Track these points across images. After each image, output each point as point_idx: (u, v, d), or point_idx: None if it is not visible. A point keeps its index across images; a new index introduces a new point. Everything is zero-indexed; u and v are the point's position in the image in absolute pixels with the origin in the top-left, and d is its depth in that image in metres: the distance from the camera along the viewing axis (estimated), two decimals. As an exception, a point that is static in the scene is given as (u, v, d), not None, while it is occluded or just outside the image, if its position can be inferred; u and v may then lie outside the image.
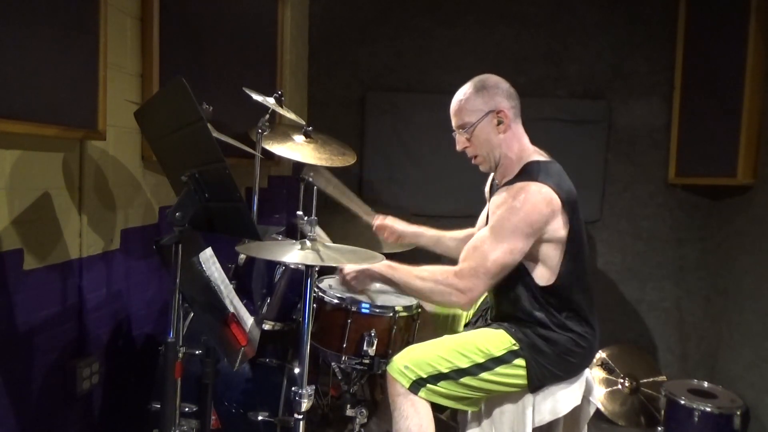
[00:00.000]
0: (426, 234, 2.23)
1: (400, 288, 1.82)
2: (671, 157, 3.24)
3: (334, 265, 1.65)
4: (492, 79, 1.85)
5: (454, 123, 1.88)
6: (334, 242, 1.98)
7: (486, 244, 1.70)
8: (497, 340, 1.78)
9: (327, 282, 2.14)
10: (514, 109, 1.84)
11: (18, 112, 1.48)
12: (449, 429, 2.30)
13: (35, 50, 1.53)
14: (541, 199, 1.68)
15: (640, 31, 3.29)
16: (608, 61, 3.33)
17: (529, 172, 1.76)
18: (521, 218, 1.67)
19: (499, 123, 1.81)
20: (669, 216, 3.34)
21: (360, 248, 1.80)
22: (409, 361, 1.75)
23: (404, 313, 1.92)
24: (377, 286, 1.96)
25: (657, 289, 3.37)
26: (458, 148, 1.89)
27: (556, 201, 1.70)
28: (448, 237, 2.21)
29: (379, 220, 2.27)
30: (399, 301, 1.98)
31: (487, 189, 2.12)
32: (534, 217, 1.68)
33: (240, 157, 2.37)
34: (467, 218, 2.26)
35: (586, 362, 1.83)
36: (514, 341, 1.77)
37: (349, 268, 1.83)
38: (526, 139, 1.87)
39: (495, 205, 1.75)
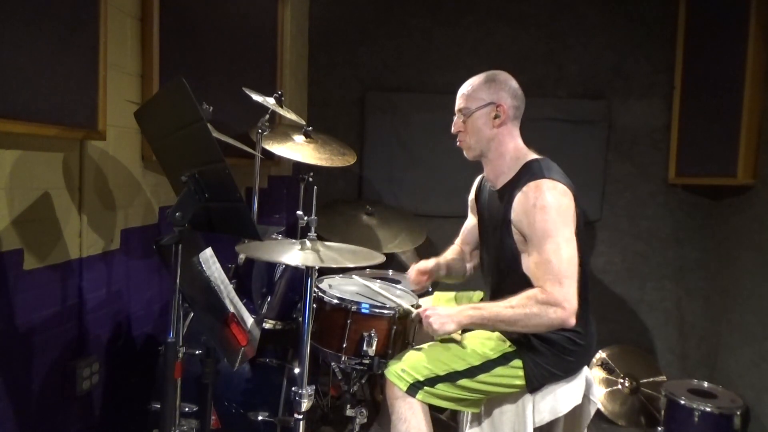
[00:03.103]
0: (440, 263, 2.15)
1: (491, 326, 1.75)
2: (671, 157, 3.24)
3: (340, 265, 1.61)
4: (504, 75, 1.88)
5: (456, 105, 1.91)
6: (334, 242, 1.98)
7: (544, 254, 1.65)
8: (493, 341, 1.79)
9: (327, 282, 2.14)
10: (516, 109, 1.85)
11: (18, 112, 1.48)
12: (449, 429, 2.31)
13: (35, 50, 1.53)
14: (560, 192, 1.70)
15: (640, 31, 3.29)
16: (608, 61, 3.33)
17: (533, 171, 1.77)
18: (555, 212, 1.66)
19: (496, 117, 1.82)
20: (669, 216, 3.34)
21: (360, 248, 1.81)
22: (406, 365, 1.75)
23: (404, 314, 1.92)
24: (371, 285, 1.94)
25: (657, 289, 3.37)
26: (453, 129, 1.92)
27: (570, 193, 1.72)
28: (450, 259, 2.17)
29: (413, 270, 2.13)
30: (399, 302, 1.98)
31: (472, 196, 2.12)
32: (563, 208, 1.68)
33: (240, 157, 2.37)
34: (466, 218, 2.26)
35: (584, 360, 1.84)
36: (509, 343, 1.77)
37: (432, 312, 1.75)
38: (520, 141, 1.89)
39: (520, 213, 1.72)
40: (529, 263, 1.71)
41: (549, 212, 1.66)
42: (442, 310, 1.77)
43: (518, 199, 1.74)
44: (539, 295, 1.63)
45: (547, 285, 1.62)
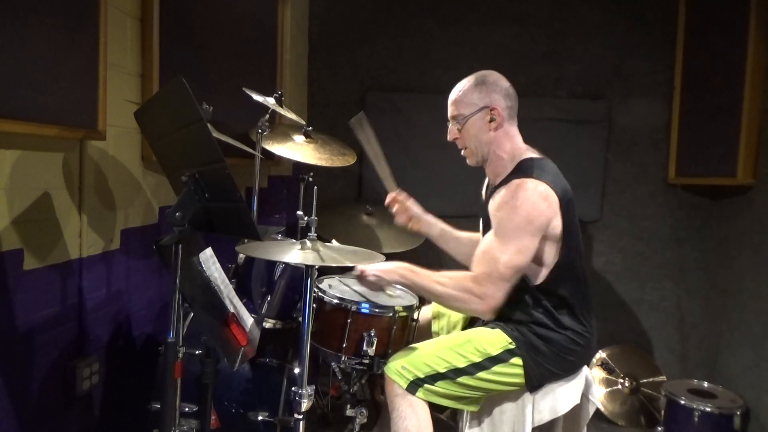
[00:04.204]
0: (439, 225, 2.18)
1: (419, 291, 1.81)
2: (671, 157, 3.24)
3: (340, 264, 1.63)
4: (493, 76, 1.86)
5: (449, 112, 1.90)
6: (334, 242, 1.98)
7: (494, 249, 1.70)
8: (494, 339, 1.78)
9: (327, 282, 2.14)
10: (510, 109, 1.85)
11: (18, 112, 1.48)
12: (449, 429, 2.30)
13: (35, 50, 1.53)
14: (538, 196, 1.69)
15: (640, 31, 3.29)
16: (608, 61, 3.33)
17: (523, 170, 1.77)
18: (523, 217, 1.67)
19: (491, 120, 1.82)
20: (669, 216, 3.34)
21: (360, 248, 1.81)
22: (406, 362, 1.75)
23: (404, 313, 1.92)
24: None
25: (657, 289, 3.37)
26: (449, 138, 1.92)
27: (554, 197, 1.71)
28: (456, 236, 2.18)
29: (395, 194, 2.16)
30: (399, 301, 1.98)
31: (483, 193, 2.13)
32: (534, 215, 1.68)
33: (240, 157, 2.37)
34: (467, 218, 2.27)
35: (584, 360, 1.84)
36: (510, 340, 1.77)
37: (369, 268, 1.80)
38: (519, 139, 1.88)
39: (495, 207, 1.75)
40: (482, 243, 1.76)
41: (517, 214, 1.67)
42: (377, 265, 1.79)
43: (498, 194, 1.76)
44: (473, 287, 1.69)
45: (484, 279, 1.68)
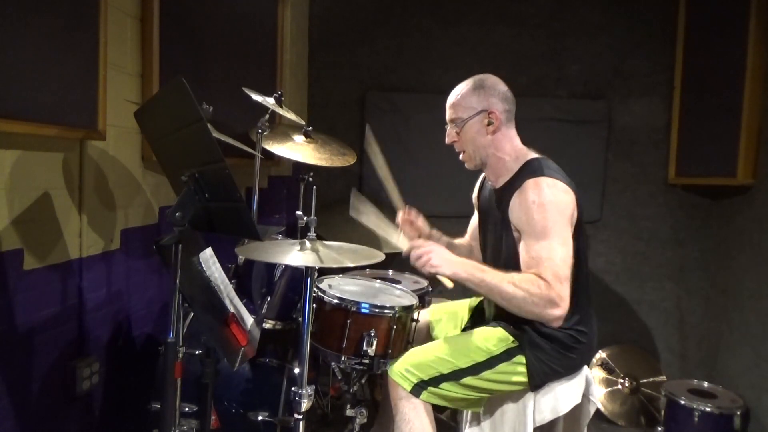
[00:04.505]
0: (444, 239, 2.15)
1: (484, 291, 1.71)
2: (671, 157, 3.24)
3: (340, 265, 1.61)
4: (491, 79, 1.86)
5: (447, 116, 1.90)
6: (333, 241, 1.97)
7: (541, 249, 1.64)
8: (496, 338, 1.78)
9: (327, 282, 2.14)
10: (508, 113, 1.85)
11: (18, 112, 1.48)
12: (449, 429, 2.31)
13: (35, 50, 1.53)
14: (558, 190, 1.70)
15: (640, 31, 3.29)
16: (608, 61, 3.33)
17: (532, 169, 1.77)
18: (555, 211, 1.66)
19: (489, 123, 1.82)
20: (669, 216, 3.34)
21: (360, 247, 1.80)
22: (410, 364, 1.75)
23: (404, 313, 1.92)
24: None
25: (657, 289, 3.37)
26: (447, 141, 1.91)
27: (570, 191, 1.72)
28: (458, 244, 2.17)
29: (405, 212, 2.12)
30: (399, 301, 1.98)
31: (475, 194, 2.12)
32: (563, 206, 1.68)
33: (240, 157, 2.37)
34: (467, 218, 2.27)
35: (585, 358, 1.84)
36: (512, 338, 1.77)
37: (433, 248, 1.72)
38: (518, 141, 1.88)
39: (520, 212, 1.71)
40: (523, 253, 1.70)
41: (548, 210, 1.66)
42: (445, 252, 1.74)
43: (517, 197, 1.74)
44: (543, 287, 1.59)
45: (553, 280, 1.59)
